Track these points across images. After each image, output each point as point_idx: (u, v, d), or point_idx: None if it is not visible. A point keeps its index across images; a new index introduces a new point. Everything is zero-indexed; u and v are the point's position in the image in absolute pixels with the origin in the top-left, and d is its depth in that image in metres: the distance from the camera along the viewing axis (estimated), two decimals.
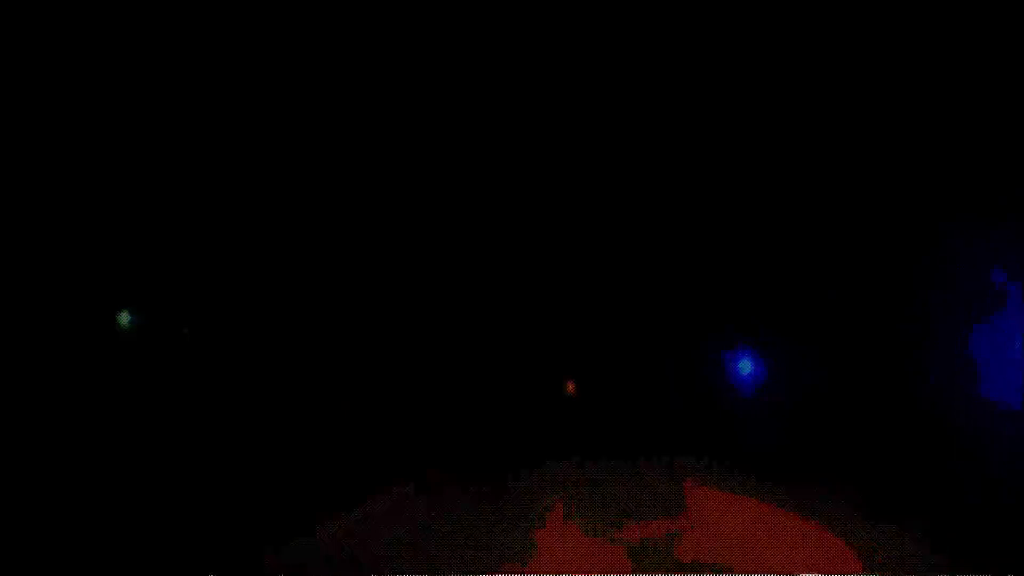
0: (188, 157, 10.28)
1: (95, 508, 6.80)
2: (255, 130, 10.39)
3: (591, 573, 5.13)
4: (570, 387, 10.50)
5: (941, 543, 5.80)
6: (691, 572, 5.05)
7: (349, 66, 10.38)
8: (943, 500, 6.74)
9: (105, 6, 9.28)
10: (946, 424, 7.78)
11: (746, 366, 9.42)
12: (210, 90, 10.09)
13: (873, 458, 7.90)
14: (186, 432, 9.05)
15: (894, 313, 9.18)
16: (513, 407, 10.43)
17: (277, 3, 9.83)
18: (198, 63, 9.77)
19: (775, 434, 8.70)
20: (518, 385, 10.63)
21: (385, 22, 10.33)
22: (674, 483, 7.04)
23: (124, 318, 9.32)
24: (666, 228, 10.71)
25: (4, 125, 9.28)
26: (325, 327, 10.79)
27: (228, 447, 8.87)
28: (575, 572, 5.10)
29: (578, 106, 10.66)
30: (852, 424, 8.76)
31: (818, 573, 5.03)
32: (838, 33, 9.99)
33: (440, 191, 11.22)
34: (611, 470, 7.50)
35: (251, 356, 10.45)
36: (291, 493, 7.30)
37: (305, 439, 9.27)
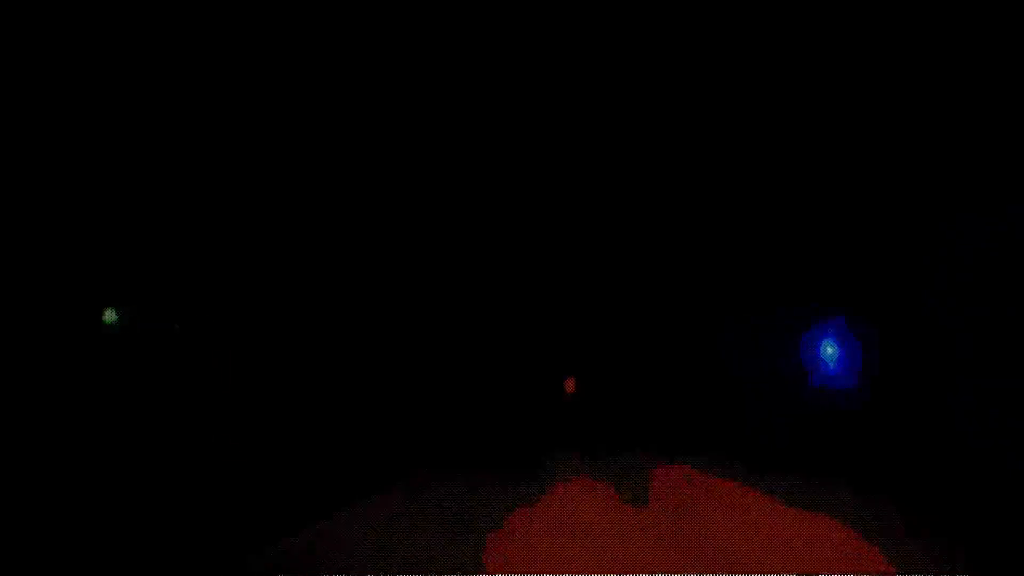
0: (178, 156, 10.17)
1: (78, 506, 6.69)
2: (246, 129, 10.29)
3: (588, 574, 5.04)
4: (569, 386, 10.31)
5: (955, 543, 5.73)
6: (693, 572, 4.97)
7: (339, 65, 10.28)
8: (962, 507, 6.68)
9: (101, 5, 9.15)
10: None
11: (830, 350, 7.23)
12: (199, 91, 9.97)
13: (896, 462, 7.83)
14: (172, 431, 8.94)
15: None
16: (513, 406, 10.33)
17: (275, 3, 9.71)
18: (183, 60, 9.64)
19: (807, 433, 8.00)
20: (519, 383, 10.53)
21: (385, 22, 10.23)
22: (678, 483, 6.93)
23: (110, 315, 9.19)
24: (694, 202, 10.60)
25: None
26: (323, 329, 10.67)
27: (220, 447, 8.75)
28: (569, 572, 5.02)
29: (589, 98, 10.59)
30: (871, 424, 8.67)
31: (822, 573, 4.96)
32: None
33: (439, 190, 11.12)
34: (613, 468, 7.41)
35: (244, 355, 10.34)
36: (285, 493, 7.19)
37: (301, 439, 9.17)
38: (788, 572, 5.04)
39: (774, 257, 10.00)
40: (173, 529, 6.19)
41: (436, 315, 10.76)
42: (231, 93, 9.99)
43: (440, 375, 10.53)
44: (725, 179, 10.67)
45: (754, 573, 4.89)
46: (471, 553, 5.60)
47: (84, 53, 9.07)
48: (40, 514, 6.43)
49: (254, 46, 9.59)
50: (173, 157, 10.00)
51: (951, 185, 8.96)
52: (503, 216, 10.93)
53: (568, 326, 11.02)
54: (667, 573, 4.80)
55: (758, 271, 10.21)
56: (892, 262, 9.32)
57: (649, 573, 4.84)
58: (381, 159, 10.57)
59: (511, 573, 5.03)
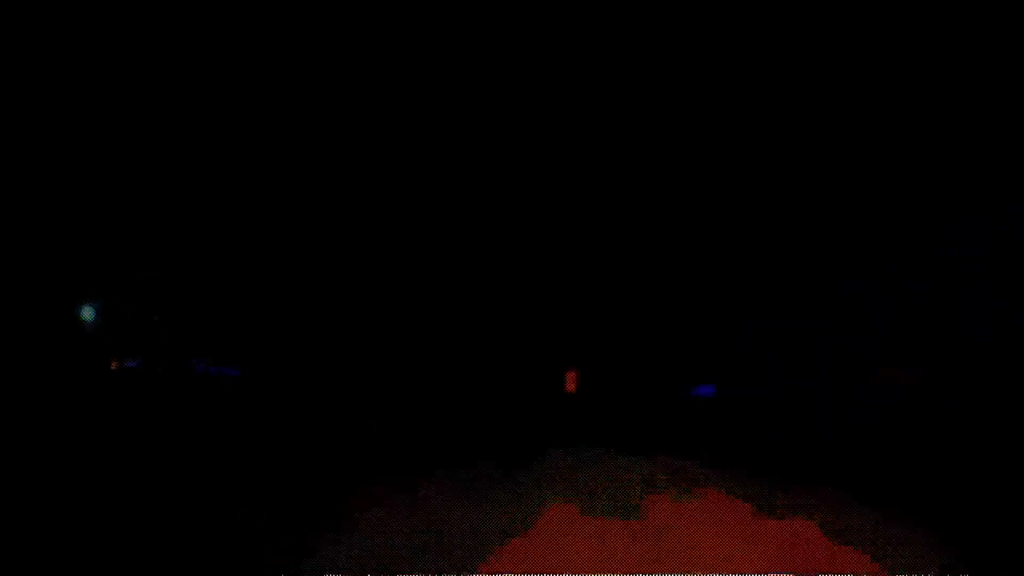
0: (165, 152, 10.13)
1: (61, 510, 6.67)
2: (234, 127, 10.23)
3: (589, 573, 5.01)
4: (571, 382, 10.12)
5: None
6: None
7: (335, 68, 10.24)
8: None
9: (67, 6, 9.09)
10: None
11: None
12: (178, 87, 9.90)
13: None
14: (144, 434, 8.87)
15: None
16: (511, 405, 10.26)
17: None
18: (175, 58, 9.59)
19: None
20: (516, 380, 10.46)
21: (385, 23, 10.21)
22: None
23: (88, 312, 9.14)
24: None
25: None
26: (306, 334, 10.60)
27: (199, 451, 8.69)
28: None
29: (593, 94, 10.55)
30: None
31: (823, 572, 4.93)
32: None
33: (434, 191, 11.08)
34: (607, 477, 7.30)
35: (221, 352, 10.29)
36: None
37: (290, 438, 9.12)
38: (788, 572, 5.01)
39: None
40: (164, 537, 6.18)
41: (432, 315, 10.72)
42: (230, 92, 9.98)
43: (438, 375, 10.50)
44: (737, 177, 10.66)
45: (752, 573, 4.86)
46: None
47: (71, 51, 9.05)
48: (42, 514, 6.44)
49: (242, 47, 9.55)
50: (153, 155, 9.95)
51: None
52: (523, 212, 10.87)
53: (572, 318, 10.92)
54: (662, 573, 4.79)
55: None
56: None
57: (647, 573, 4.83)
58: (375, 156, 10.54)
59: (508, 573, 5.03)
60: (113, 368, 9.11)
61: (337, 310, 10.38)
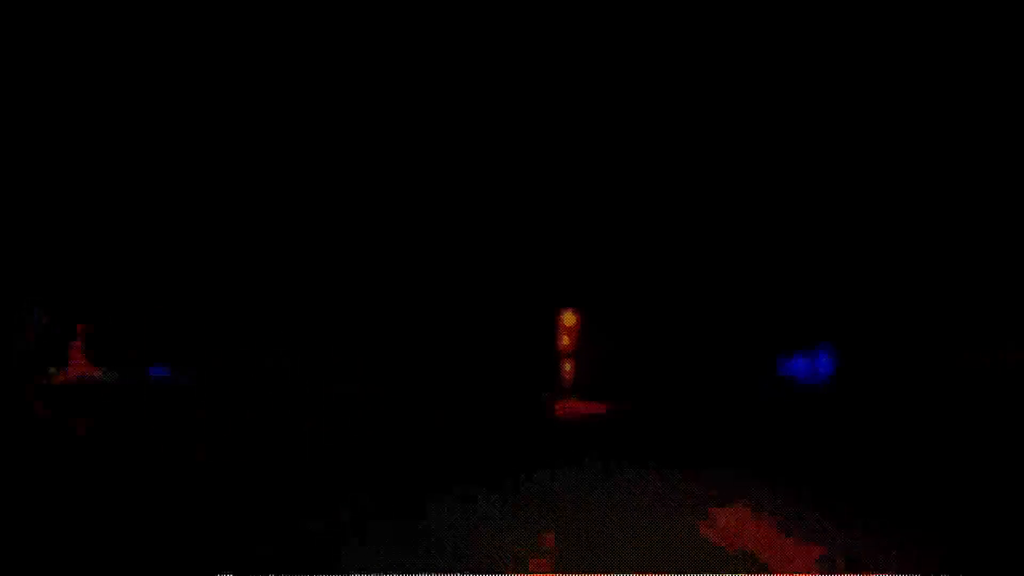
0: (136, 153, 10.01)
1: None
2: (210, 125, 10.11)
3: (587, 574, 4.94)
4: (566, 330, 9.22)
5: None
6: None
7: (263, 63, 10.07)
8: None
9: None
10: None
11: None
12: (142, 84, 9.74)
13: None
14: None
15: None
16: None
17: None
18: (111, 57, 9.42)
19: None
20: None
21: (384, 23, 10.16)
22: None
23: (33, 317, 9.02)
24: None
25: None
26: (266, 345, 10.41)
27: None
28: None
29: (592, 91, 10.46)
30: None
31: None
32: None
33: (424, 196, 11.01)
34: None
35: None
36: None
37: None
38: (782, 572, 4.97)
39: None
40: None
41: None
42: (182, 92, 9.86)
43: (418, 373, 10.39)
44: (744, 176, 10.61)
45: (745, 572, 4.82)
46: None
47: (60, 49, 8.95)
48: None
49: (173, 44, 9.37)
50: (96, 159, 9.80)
51: None
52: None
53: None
54: (658, 574, 4.75)
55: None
56: None
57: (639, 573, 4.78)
58: (357, 150, 10.43)
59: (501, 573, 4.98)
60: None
61: (317, 308, 10.30)
